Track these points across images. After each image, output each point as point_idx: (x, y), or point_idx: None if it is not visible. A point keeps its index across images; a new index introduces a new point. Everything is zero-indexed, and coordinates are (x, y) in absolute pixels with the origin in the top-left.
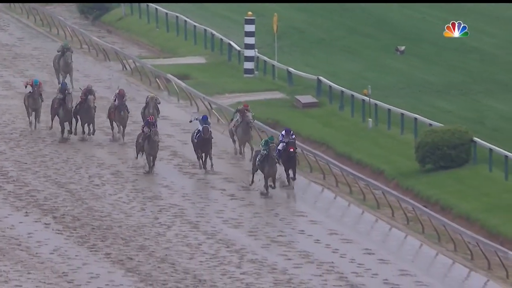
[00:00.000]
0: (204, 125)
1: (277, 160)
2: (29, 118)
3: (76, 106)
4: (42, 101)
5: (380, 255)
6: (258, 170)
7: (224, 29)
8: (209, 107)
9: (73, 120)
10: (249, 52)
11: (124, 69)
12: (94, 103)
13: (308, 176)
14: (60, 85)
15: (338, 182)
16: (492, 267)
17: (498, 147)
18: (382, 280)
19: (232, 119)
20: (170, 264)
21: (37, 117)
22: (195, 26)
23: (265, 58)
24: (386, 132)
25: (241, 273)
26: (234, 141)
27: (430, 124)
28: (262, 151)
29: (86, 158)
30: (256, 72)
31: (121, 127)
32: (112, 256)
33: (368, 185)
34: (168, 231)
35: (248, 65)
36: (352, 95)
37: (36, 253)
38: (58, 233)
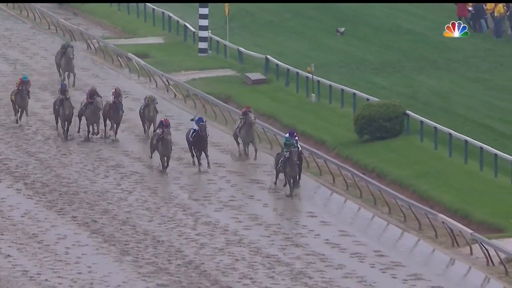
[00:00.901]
0: (201, 123)
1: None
2: (15, 115)
3: (81, 107)
4: (29, 98)
5: (322, 217)
6: (280, 172)
7: (180, 12)
8: (166, 83)
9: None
10: (203, 33)
11: (89, 48)
12: (102, 104)
13: (258, 146)
14: (60, 86)
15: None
16: (422, 228)
17: (429, 120)
18: (323, 240)
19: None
20: (131, 226)
21: (24, 113)
22: (153, 9)
23: (218, 38)
24: (327, 106)
25: (196, 234)
26: (238, 143)
27: (367, 99)
28: (284, 154)
29: (54, 130)
30: (209, 52)
31: (115, 124)
32: (78, 219)
33: (311, 154)
34: (129, 196)
35: (202, 45)
36: (297, 73)
37: (9, 216)
38: (28, 198)
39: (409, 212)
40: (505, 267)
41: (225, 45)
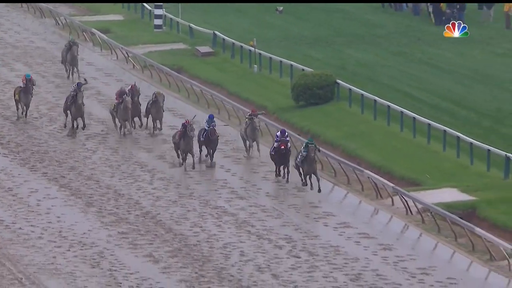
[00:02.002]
0: (211, 128)
1: (272, 156)
2: (17, 111)
3: (113, 108)
4: (32, 96)
5: (263, 173)
6: (299, 168)
7: None
8: (126, 55)
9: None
10: (158, 11)
11: (57, 24)
12: (130, 104)
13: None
14: (75, 84)
15: (230, 116)
16: (351, 182)
17: (356, 88)
18: (265, 193)
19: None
20: (95, 181)
21: (26, 109)
22: None
23: (171, 16)
24: (268, 76)
25: (152, 188)
26: (245, 141)
27: (303, 69)
28: (302, 152)
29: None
30: (164, 28)
31: (135, 119)
32: (48, 174)
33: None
34: (93, 155)
35: (158, 21)
36: (241, 46)
37: None
38: (4, 156)
39: (339, 168)
40: (421, 216)
41: (177, 22)
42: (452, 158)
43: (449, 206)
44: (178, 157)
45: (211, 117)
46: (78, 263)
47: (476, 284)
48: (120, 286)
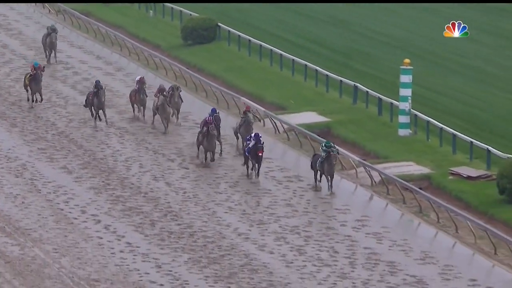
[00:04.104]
0: (215, 115)
1: (248, 155)
2: (29, 98)
3: (154, 104)
4: (42, 80)
5: None
6: (319, 171)
7: None
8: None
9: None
10: None
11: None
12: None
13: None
14: (95, 82)
15: (130, 53)
16: (230, 107)
17: (234, 30)
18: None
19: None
20: (18, 106)
21: (39, 95)
22: None
23: None
24: (162, 20)
25: (66, 112)
26: (237, 138)
27: (190, 14)
28: (321, 155)
29: None
30: None
31: (141, 107)
32: None
33: (150, 54)
34: (16, 84)
35: None
36: None
37: None
38: None
39: (220, 96)
40: (287, 134)
41: None
42: (312, 87)
43: (309, 126)
44: (198, 156)
45: (213, 111)
46: (4, 173)
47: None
48: (40, 192)
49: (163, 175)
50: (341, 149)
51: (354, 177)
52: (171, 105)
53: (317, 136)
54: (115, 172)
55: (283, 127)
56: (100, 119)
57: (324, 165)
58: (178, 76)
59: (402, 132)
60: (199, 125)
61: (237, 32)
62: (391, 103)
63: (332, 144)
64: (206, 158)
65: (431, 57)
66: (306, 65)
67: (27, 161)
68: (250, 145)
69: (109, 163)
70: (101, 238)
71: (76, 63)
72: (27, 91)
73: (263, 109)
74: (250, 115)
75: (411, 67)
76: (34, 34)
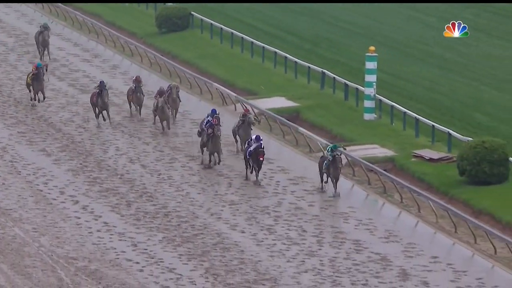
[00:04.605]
0: (216, 115)
1: (249, 157)
2: (32, 96)
3: (154, 106)
4: (44, 81)
5: None
6: (325, 173)
7: None
8: None
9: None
10: None
11: None
12: (166, 103)
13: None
14: (99, 82)
15: (106, 40)
16: (203, 93)
17: (207, 18)
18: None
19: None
20: None
21: (41, 94)
22: None
23: None
24: (137, 8)
25: (46, 97)
26: (236, 141)
27: (165, 3)
28: (328, 157)
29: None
30: None
31: (138, 106)
32: None
33: (127, 42)
34: None
35: None
36: None
37: None
38: None
39: (194, 82)
40: (257, 117)
41: None
42: (281, 73)
43: (278, 111)
44: (202, 153)
45: (213, 111)
46: None
47: (299, 168)
48: (20, 173)
49: (138, 158)
50: (309, 133)
51: None
52: (169, 104)
53: (286, 120)
54: (92, 155)
55: (254, 112)
56: (104, 119)
57: (330, 168)
58: (153, 62)
59: (367, 116)
60: (198, 126)
61: (209, 20)
62: (357, 89)
63: (338, 147)
64: (210, 161)
65: (395, 44)
66: (275, 52)
67: (8, 144)
68: (251, 148)
69: (86, 146)
70: (79, 218)
71: (54, 50)
72: (29, 90)
73: (234, 94)
74: (251, 117)
75: (376, 54)
76: (14, 22)
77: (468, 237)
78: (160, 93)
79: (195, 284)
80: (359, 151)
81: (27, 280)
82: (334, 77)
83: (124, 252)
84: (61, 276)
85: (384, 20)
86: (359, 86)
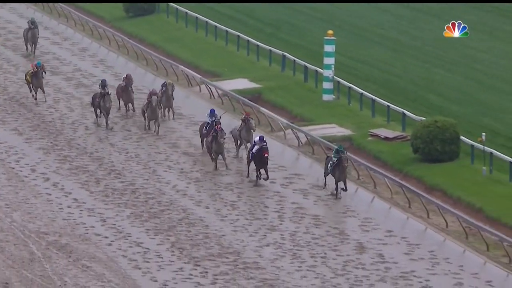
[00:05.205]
0: (216, 121)
1: (251, 160)
2: (31, 92)
3: (145, 105)
4: (43, 78)
5: None
6: (330, 174)
7: None
8: None
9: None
10: None
11: None
12: (158, 103)
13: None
14: (101, 81)
15: (76, 24)
16: (169, 75)
17: (172, 3)
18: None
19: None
20: None
21: (41, 91)
22: None
23: None
24: None
25: (17, 78)
26: (236, 143)
27: None
28: (333, 159)
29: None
30: None
31: (129, 104)
32: None
33: (95, 25)
34: None
35: None
36: None
37: None
38: None
39: (160, 65)
40: (221, 99)
41: None
42: (244, 56)
43: (241, 92)
44: (213, 160)
45: (212, 112)
46: None
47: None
48: None
49: (107, 137)
50: (270, 113)
51: (283, 139)
52: (163, 103)
53: (248, 101)
54: (63, 134)
55: (218, 93)
56: (107, 125)
57: (336, 171)
58: (121, 45)
59: (326, 97)
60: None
61: (174, 5)
62: (316, 71)
63: (343, 149)
64: (216, 161)
65: (353, 29)
66: (238, 36)
67: None
68: (253, 150)
69: (57, 125)
70: (50, 194)
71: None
72: (30, 89)
73: (199, 76)
74: (252, 123)
75: (334, 38)
76: None
77: (421, 212)
78: (152, 94)
79: (162, 258)
80: (318, 131)
81: (0, 254)
82: (294, 60)
83: (93, 227)
84: (33, 250)
85: (342, 5)
86: (318, 69)
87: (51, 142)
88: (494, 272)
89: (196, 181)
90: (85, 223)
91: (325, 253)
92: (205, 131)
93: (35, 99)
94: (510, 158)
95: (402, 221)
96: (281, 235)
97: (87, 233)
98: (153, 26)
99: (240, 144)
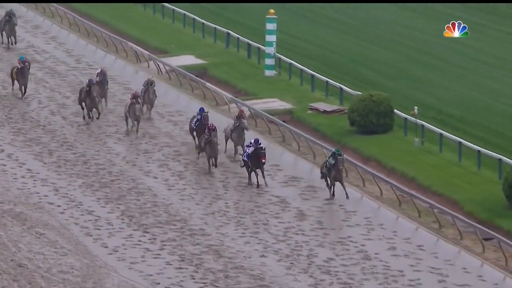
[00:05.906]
0: (204, 113)
1: (246, 162)
2: (12, 87)
3: (127, 107)
4: (29, 75)
5: None
6: (326, 176)
7: None
8: None
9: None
10: None
11: None
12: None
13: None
14: (88, 80)
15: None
16: (119, 51)
17: None
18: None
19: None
20: None
21: (25, 87)
22: None
23: None
24: None
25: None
26: (226, 143)
27: None
28: (329, 161)
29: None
30: None
31: (104, 99)
32: None
33: (47, 4)
34: None
35: None
36: None
37: None
38: None
39: (110, 41)
40: (169, 75)
41: None
42: (190, 33)
43: (188, 68)
44: (209, 162)
45: (201, 110)
46: None
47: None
48: None
49: (59, 110)
50: (215, 88)
51: (227, 112)
52: (145, 100)
53: (195, 77)
54: (17, 108)
55: (165, 69)
56: (91, 118)
57: (332, 171)
58: (72, 23)
59: (268, 72)
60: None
61: None
62: (259, 48)
63: (340, 152)
64: (209, 164)
65: (294, 8)
66: (184, 14)
67: None
68: (249, 151)
69: (11, 100)
70: (5, 165)
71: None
72: (13, 84)
73: (147, 53)
74: (245, 122)
75: (276, 17)
76: None
77: (357, 181)
78: (135, 96)
79: (112, 225)
80: (261, 104)
81: None
82: (238, 37)
83: (46, 196)
84: None
85: None
86: (261, 46)
87: (6, 115)
88: (425, 237)
89: (145, 153)
90: (38, 193)
91: (267, 220)
92: (194, 126)
93: (13, 92)
94: (440, 130)
95: (339, 190)
96: (226, 203)
97: (41, 202)
98: (103, 4)
99: (235, 146)
